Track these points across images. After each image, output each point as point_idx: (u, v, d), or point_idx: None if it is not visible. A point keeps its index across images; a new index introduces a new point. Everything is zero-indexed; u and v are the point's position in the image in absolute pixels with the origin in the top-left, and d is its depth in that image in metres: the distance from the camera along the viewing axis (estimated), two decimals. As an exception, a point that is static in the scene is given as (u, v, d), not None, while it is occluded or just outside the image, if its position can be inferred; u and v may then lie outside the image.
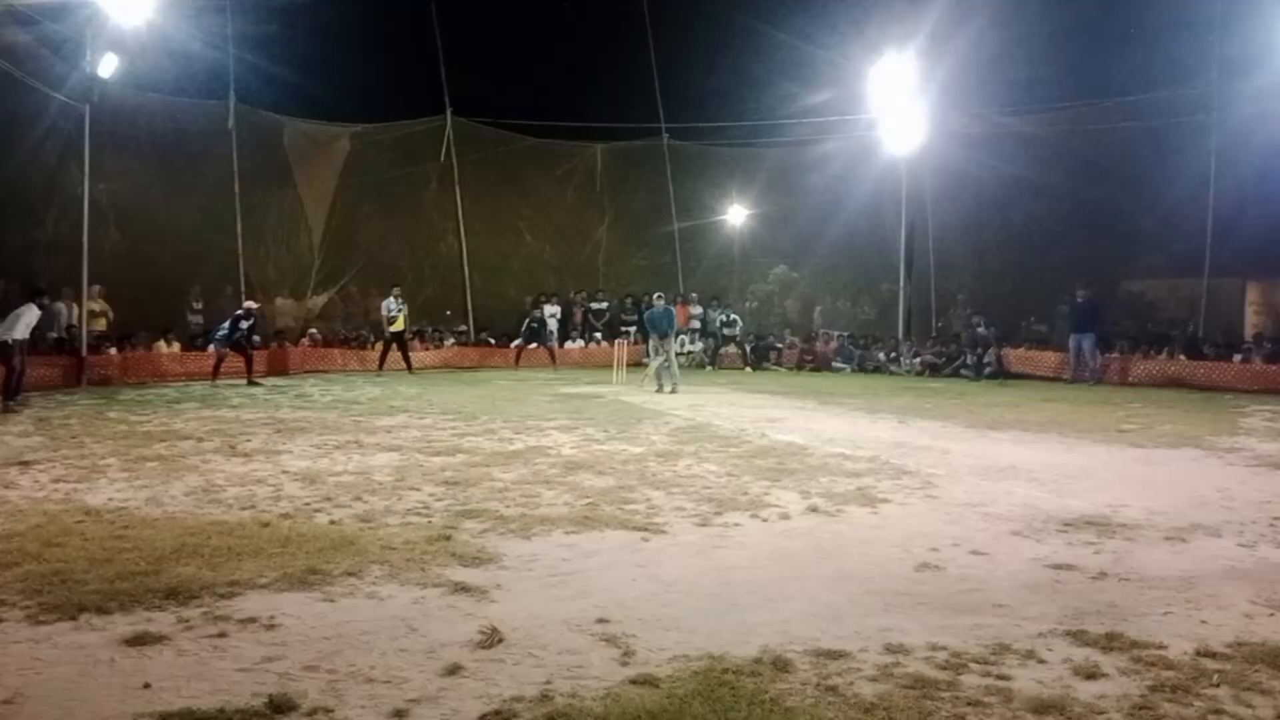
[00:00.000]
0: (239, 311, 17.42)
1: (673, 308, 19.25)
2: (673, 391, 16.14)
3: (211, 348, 17.57)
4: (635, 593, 4.80)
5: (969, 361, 19.96)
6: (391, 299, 20.10)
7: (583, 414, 12.45)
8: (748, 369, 22.60)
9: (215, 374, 17.02)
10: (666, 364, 16.56)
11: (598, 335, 24.36)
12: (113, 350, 17.31)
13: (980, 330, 20.26)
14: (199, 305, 20.71)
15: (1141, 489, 7.62)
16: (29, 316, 13.07)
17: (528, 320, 22.73)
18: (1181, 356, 18.16)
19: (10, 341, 12.80)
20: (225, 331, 17.14)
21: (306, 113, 22.56)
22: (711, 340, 23.73)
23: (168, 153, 20.01)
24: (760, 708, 3.38)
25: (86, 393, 14.86)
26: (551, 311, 23.76)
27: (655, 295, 19.11)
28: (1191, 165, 18.80)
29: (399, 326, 20.01)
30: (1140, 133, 19.10)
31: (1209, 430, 11.23)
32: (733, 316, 24.12)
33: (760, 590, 4.86)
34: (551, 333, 23.45)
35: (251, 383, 16.73)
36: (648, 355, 19.97)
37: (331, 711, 3.36)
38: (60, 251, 17.58)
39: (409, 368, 19.80)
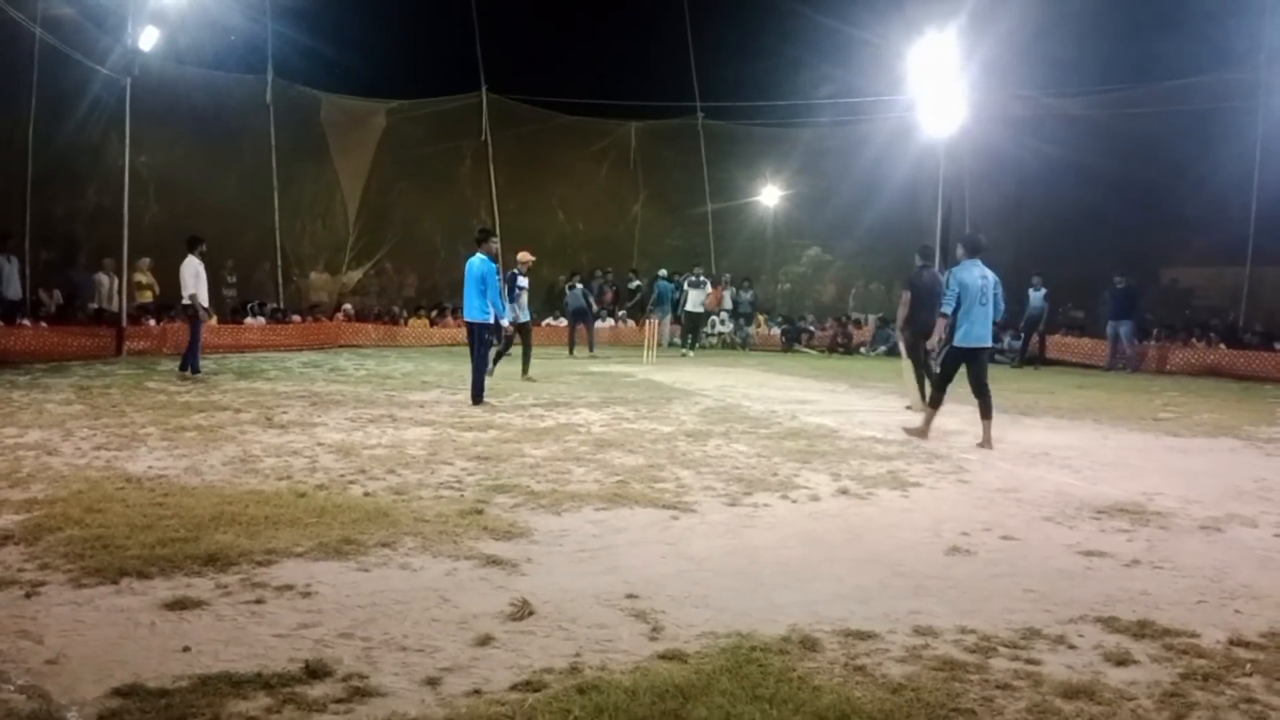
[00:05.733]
0: (515, 270, 14.35)
1: (668, 284, 21.40)
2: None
3: (505, 321, 12.79)
4: (664, 570, 4.83)
5: (1007, 345, 19.76)
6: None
7: (613, 393, 12.49)
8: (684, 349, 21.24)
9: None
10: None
11: (621, 314, 24.27)
12: (152, 321, 17.55)
13: (1033, 294, 19.12)
14: (233, 279, 20.93)
15: (1177, 478, 7.54)
16: (188, 271, 13.17)
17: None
18: (1221, 345, 17.89)
19: (189, 300, 13.04)
20: (510, 301, 13.84)
21: (343, 88, 22.70)
22: (741, 321, 23.68)
23: (207, 126, 20.21)
24: (788, 685, 3.40)
25: (126, 363, 15.09)
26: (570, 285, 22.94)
27: (660, 271, 21.13)
28: (1237, 152, 18.45)
29: None
30: (1185, 117, 18.76)
31: (1247, 420, 11.07)
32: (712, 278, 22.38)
33: (789, 570, 4.87)
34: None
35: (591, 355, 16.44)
36: (676, 337, 20.19)
37: (366, 678, 3.42)
38: (101, 222, 17.86)
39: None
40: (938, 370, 9.17)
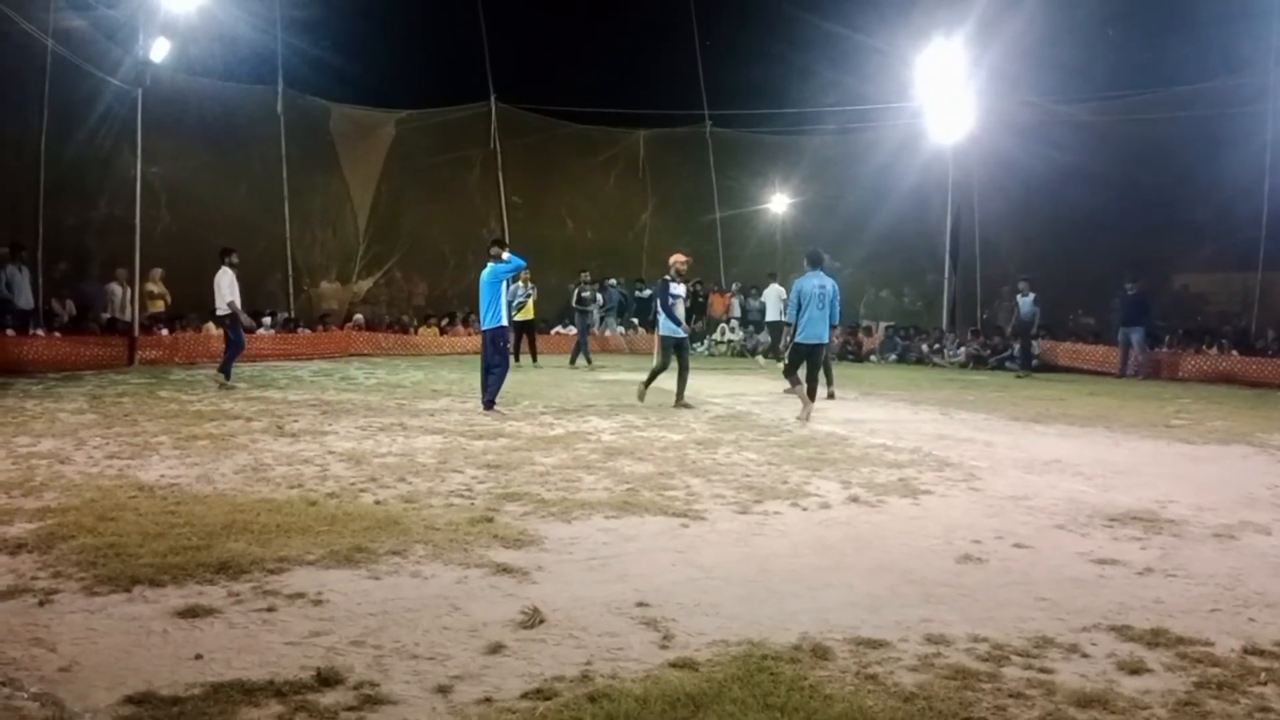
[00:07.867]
0: (666, 277, 12.16)
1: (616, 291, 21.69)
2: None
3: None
4: (674, 578, 4.82)
5: (1014, 353, 19.68)
6: (519, 283, 17.24)
7: (622, 400, 12.47)
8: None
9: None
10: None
11: (634, 321, 24.24)
12: (164, 331, 17.62)
13: (1022, 300, 18.65)
14: (235, 287, 20.96)
15: (1190, 485, 7.49)
16: (224, 280, 13.31)
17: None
18: (1233, 352, 17.80)
19: (228, 308, 13.21)
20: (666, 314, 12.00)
21: (352, 98, 22.78)
22: (751, 329, 23.64)
23: (217, 136, 20.33)
24: (799, 694, 3.39)
25: (138, 372, 15.15)
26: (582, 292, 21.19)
27: (609, 281, 22.04)
28: (1247, 157, 18.33)
29: (527, 314, 18.28)
30: (1195, 122, 18.65)
31: (1260, 427, 11.01)
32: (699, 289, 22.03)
33: (799, 578, 4.86)
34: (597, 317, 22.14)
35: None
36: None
37: (377, 686, 3.42)
38: (113, 233, 17.94)
39: (534, 357, 18.54)
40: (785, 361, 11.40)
